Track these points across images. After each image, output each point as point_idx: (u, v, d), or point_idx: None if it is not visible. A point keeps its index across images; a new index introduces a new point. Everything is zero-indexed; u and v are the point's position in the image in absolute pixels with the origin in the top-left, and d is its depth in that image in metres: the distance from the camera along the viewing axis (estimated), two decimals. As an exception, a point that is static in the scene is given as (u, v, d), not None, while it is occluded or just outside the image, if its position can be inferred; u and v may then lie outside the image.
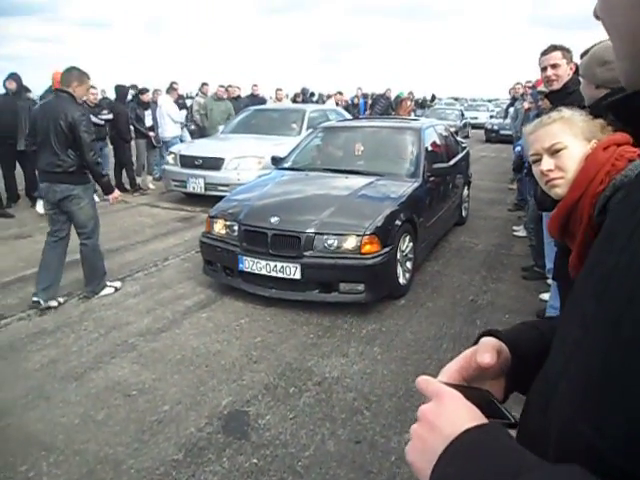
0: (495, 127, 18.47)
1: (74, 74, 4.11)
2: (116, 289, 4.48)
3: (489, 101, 37.48)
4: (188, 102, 13.36)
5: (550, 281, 3.83)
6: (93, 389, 3.01)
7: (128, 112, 8.65)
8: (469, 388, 0.65)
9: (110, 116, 8.04)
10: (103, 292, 4.37)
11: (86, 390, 3.00)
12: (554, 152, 1.55)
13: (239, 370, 3.21)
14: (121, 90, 8.88)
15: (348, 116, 10.04)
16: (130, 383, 3.06)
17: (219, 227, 4.35)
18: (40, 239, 5.63)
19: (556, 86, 3.15)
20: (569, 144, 1.54)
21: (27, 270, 4.92)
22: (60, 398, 2.92)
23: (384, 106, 15.96)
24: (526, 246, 5.29)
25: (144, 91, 9.16)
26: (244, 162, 7.40)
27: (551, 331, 0.62)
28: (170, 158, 8.08)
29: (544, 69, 3.19)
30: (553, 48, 3.16)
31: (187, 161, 7.74)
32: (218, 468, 2.37)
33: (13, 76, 7.23)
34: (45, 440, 2.57)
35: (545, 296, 4.15)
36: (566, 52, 3.15)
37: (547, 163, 1.56)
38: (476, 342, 0.72)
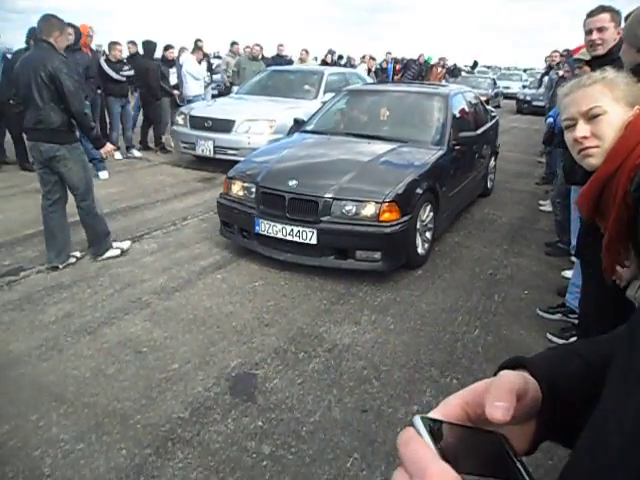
0: (527, 97, 17.61)
1: (54, 23, 3.77)
2: (122, 251, 4.31)
3: (524, 70, 36.14)
4: (215, 62, 13.18)
5: (574, 258, 3.70)
6: (105, 344, 3.04)
7: (157, 69, 8.53)
8: (476, 431, 0.46)
9: (132, 72, 7.92)
10: (107, 254, 4.23)
11: (98, 344, 3.03)
12: (591, 117, 1.40)
13: (250, 332, 3.21)
14: (148, 46, 8.73)
15: (370, 81, 9.72)
16: (142, 340, 3.08)
17: (237, 188, 4.29)
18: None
19: (600, 51, 2.93)
20: (609, 109, 1.38)
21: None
22: (73, 351, 2.95)
23: (416, 72, 15.56)
24: (551, 221, 5.13)
25: (168, 48, 9.00)
26: (255, 125, 7.08)
27: (600, 359, 0.45)
28: (180, 119, 7.73)
29: (589, 32, 2.94)
30: (601, 9, 2.91)
31: (196, 122, 7.42)
32: (223, 428, 2.37)
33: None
34: (56, 391, 2.61)
35: (568, 273, 4.03)
36: (615, 14, 2.90)
37: (582, 129, 1.41)
38: (496, 373, 0.52)
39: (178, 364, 2.85)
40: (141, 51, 8.84)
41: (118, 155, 7.98)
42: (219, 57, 16.32)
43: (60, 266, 4.01)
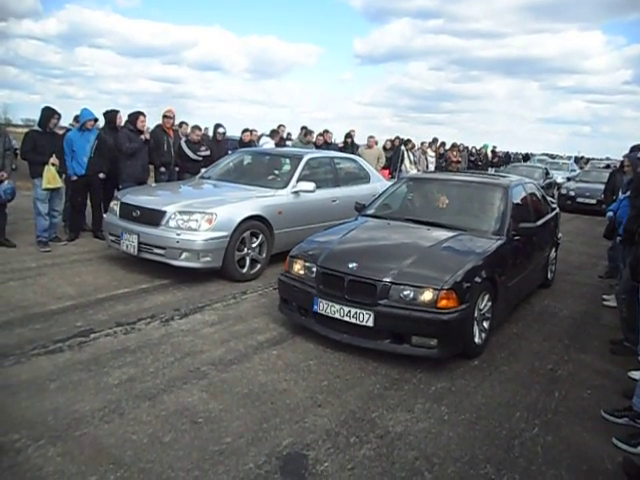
0: (571, 193, 15.07)
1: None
2: None
3: (579, 159, 34.89)
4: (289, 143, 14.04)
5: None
6: (163, 411, 3.13)
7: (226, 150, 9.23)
8: None
9: (208, 152, 8.54)
10: None
11: (157, 411, 3.13)
12: None
13: (303, 412, 3.22)
14: (216, 129, 9.55)
15: (369, 167, 8.39)
16: (198, 410, 3.16)
17: (298, 267, 4.45)
18: (132, 261, 6.07)
19: None
20: None
21: (119, 289, 5.29)
22: (133, 415, 3.06)
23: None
24: (616, 317, 4.95)
25: (245, 131, 9.90)
26: (190, 219, 5.60)
27: None
28: (113, 205, 6.41)
29: None
30: None
31: (126, 211, 6.04)
32: (272, 509, 2.37)
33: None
34: (115, 454, 2.70)
35: (635, 374, 3.83)
36: None
37: None
38: None
39: (231, 438, 2.89)
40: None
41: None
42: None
43: None
